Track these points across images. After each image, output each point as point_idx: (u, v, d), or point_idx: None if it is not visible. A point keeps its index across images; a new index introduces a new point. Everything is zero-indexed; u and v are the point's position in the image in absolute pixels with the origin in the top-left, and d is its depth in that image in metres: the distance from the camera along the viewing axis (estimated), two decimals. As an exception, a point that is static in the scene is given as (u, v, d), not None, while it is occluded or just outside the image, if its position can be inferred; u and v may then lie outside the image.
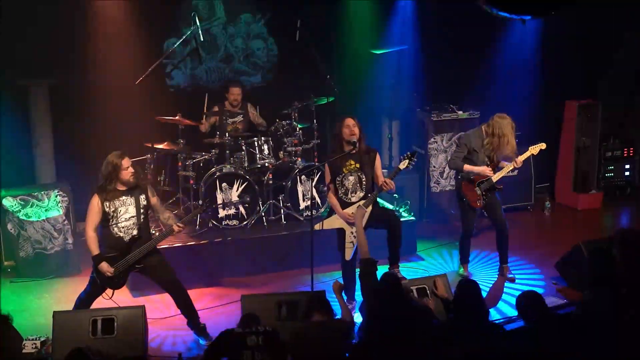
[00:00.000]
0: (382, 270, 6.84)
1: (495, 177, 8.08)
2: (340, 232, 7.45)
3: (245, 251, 8.77)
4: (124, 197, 6.88)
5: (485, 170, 7.99)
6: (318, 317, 5.85)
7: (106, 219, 6.84)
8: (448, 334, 5.59)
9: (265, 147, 9.15)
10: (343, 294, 6.67)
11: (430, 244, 9.49)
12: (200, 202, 8.73)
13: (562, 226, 10.27)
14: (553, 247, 9.13)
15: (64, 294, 8.13)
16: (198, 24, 9.13)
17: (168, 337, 7.30)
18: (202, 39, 9.30)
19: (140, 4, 9.41)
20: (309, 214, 7.64)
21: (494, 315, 7.44)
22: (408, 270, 8.33)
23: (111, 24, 9.32)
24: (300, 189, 9.13)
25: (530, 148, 8.22)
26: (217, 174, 8.90)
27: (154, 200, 7.08)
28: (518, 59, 10.78)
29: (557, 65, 11.04)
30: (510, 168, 8.11)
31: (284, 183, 9.09)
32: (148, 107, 9.33)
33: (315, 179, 8.82)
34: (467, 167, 8.05)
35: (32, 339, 6.61)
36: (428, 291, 6.82)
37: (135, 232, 6.90)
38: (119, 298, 7.07)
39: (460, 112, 10.26)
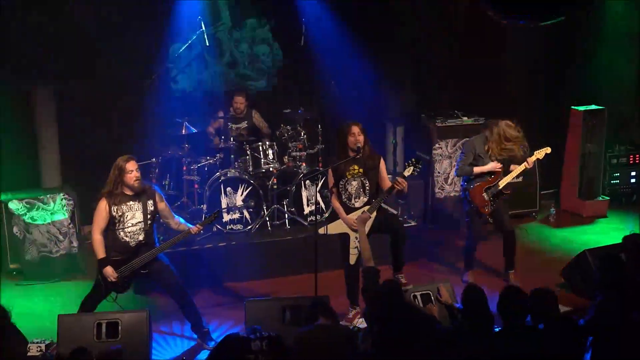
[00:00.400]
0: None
1: (502, 182, 8.07)
2: (344, 236, 7.44)
3: (249, 255, 8.76)
4: (131, 202, 6.88)
5: (495, 166, 8.00)
6: (323, 322, 5.85)
7: (113, 223, 6.85)
8: (453, 339, 5.58)
9: (270, 151, 9.18)
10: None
11: (434, 249, 9.47)
12: (204, 205, 8.76)
13: (567, 233, 10.24)
14: (558, 254, 9.12)
15: (69, 297, 8.14)
16: (204, 28, 9.15)
17: (172, 341, 7.31)
18: (207, 44, 9.32)
19: (147, 8, 9.43)
20: (313, 219, 7.63)
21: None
22: (412, 277, 8.31)
23: (118, 28, 9.35)
24: (304, 194, 9.14)
25: (535, 152, 8.21)
26: (222, 178, 8.92)
27: (162, 205, 7.06)
28: (523, 64, 10.78)
29: (563, 71, 11.04)
30: (522, 169, 8.10)
31: (288, 188, 9.10)
32: (153, 111, 9.35)
33: (320, 184, 8.83)
34: (476, 169, 8.04)
35: (37, 342, 6.64)
36: (432, 297, 6.81)
37: (141, 237, 6.90)
38: (123, 302, 7.08)
39: (465, 118, 10.26)
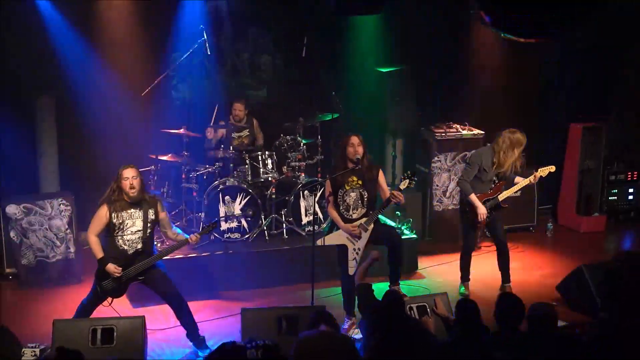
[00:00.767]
0: (381, 287, 6.84)
1: (503, 196, 8.09)
2: (341, 247, 7.44)
3: (246, 265, 8.76)
4: (132, 210, 6.87)
5: (482, 213, 7.99)
6: (325, 329, 5.86)
7: (112, 230, 6.84)
8: (448, 351, 5.58)
9: (269, 161, 9.19)
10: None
11: (431, 262, 9.48)
12: (202, 214, 8.78)
13: (564, 248, 10.25)
14: (554, 269, 9.13)
15: (64, 303, 8.13)
16: (205, 37, 9.18)
17: (167, 348, 7.29)
18: (209, 53, 9.35)
19: (147, 16, 9.47)
20: (311, 229, 7.63)
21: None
22: (409, 288, 8.32)
23: (118, 36, 9.40)
24: (302, 204, 9.15)
25: (539, 170, 8.20)
26: (221, 186, 8.93)
27: (163, 215, 7.06)
28: (523, 80, 10.81)
29: (562, 87, 11.08)
30: (525, 183, 8.11)
31: (286, 198, 9.11)
32: (153, 118, 9.37)
33: (318, 195, 8.84)
34: (472, 197, 8.03)
35: (32, 347, 6.64)
36: (428, 309, 6.82)
37: (139, 245, 6.89)
38: (119, 308, 7.08)
39: (465, 132, 10.28)
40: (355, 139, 7.39)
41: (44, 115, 9.43)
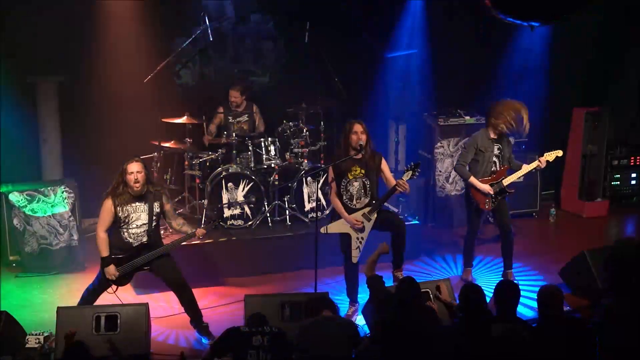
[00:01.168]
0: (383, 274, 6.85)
1: (507, 180, 8.07)
2: (345, 236, 7.43)
3: (249, 251, 8.77)
4: (137, 204, 6.87)
5: (488, 189, 7.99)
6: (327, 314, 5.89)
7: (118, 222, 6.85)
8: (454, 338, 5.61)
9: (272, 148, 9.18)
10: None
11: (434, 248, 9.49)
12: (205, 200, 8.78)
13: (567, 233, 10.25)
14: (557, 255, 9.13)
15: (68, 290, 8.16)
16: (207, 23, 9.15)
17: (171, 335, 7.31)
18: (211, 39, 9.32)
19: (150, 3, 9.43)
20: (314, 216, 7.62)
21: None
22: (412, 275, 8.31)
23: (120, 22, 9.35)
24: (305, 190, 9.14)
25: (546, 154, 8.15)
26: (223, 173, 8.92)
27: (168, 206, 7.07)
28: (526, 65, 10.78)
29: (565, 72, 11.05)
30: (532, 167, 8.08)
31: (289, 184, 9.10)
32: (156, 105, 9.36)
33: (321, 181, 8.83)
34: (473, 180, 8.03)
35: (36, 334, 6.66)
36: (431, 295, 6.82)
37: (145, 239, 6.90)
38: (123, 295, 7.10)
39: (468, 117, 10.26)
40: (358, 127, 7.36)
41: (47, 102, 9.43)
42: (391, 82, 10.34)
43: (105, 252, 6.82)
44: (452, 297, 6.89)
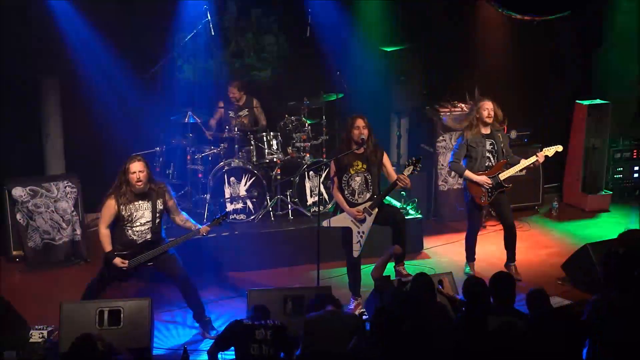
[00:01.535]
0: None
1: (504, 175, 8.07)
2: (346, 229, 7.44)
3: (252, 245, 8.77)
4: (140, 202, 6.87)
5: (485, 181, 8.00)
6: (332, 309, 5.90)
7: (121, 221, 6.86)
8: (458, 331, 5.62)
9: (274, 142, 9.19)
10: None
11: (436, 242, 9.49)
12: (208, 195, 8.79)
13: (569, 227, 10.25)
14: (560, 248, 9.13)
15: (71, 285, 8.16)
16: (209, 17, 9.15)
17: (174, 329, 7.34)
18: (213, 33, 9.32)
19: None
20: (316, 210, 7.63)
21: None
22: (414, 268, 8.32)
23: (122, 16, 9.36)
24: (307, 184, 9.15)
25: (545, 149, 8.15)
26: (226, 168, 8.93)
27: (171, 202, 7.07)
28: (528, 58, 10.76)
29: (567, 65, 11.03)
30: (530, 162, 8.07)
31: (291, 178, 9.11)
32: (158, 100, 9.36)
33: (323, 175, 8.82)
34: (467, 173, 8.05)
35: (39, 329, 6.67)
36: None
37: (149, 236, 6.90)
38: (126, 289, 7.10)
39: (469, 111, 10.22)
40: (360, 121, 7.36)
41: (49, 97, 9.43)
42: (393, 76, 10.30)
43: (108, 247, 6.82)
44: (455, 291, 6.90)
